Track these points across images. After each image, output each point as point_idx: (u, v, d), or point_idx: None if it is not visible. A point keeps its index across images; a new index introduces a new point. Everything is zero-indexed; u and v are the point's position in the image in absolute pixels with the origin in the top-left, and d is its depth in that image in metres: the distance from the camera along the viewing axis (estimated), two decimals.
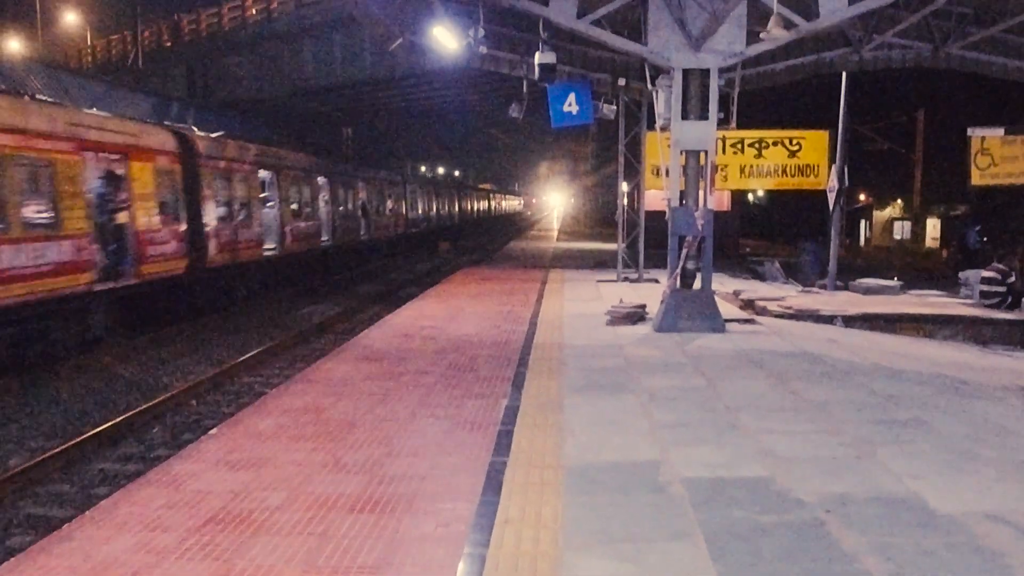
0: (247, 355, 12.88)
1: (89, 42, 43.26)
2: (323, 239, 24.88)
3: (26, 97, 12.78)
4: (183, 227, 15.77)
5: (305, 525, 4.54)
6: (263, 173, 20.24)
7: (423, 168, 63.24)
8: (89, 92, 24.11)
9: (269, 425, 6.57)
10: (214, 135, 18.28)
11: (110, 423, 9.02)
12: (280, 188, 21.00)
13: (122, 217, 13.81)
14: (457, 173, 75.38)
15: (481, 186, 75.54)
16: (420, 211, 40.65)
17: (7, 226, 10.93)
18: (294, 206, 22.29)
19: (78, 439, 8.43)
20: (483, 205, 70.80)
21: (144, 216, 14.33)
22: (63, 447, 8.17)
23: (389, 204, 34.24)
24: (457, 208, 53.06)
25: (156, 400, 10.07)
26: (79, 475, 7.79)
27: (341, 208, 26.66)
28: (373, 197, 31.19)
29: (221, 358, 13.12)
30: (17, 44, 38.28)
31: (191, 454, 5.88)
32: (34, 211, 11.61)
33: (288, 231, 21.49)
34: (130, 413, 9.43)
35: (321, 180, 24.77)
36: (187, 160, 16.09)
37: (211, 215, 17.02)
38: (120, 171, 13.74)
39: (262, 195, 20.10)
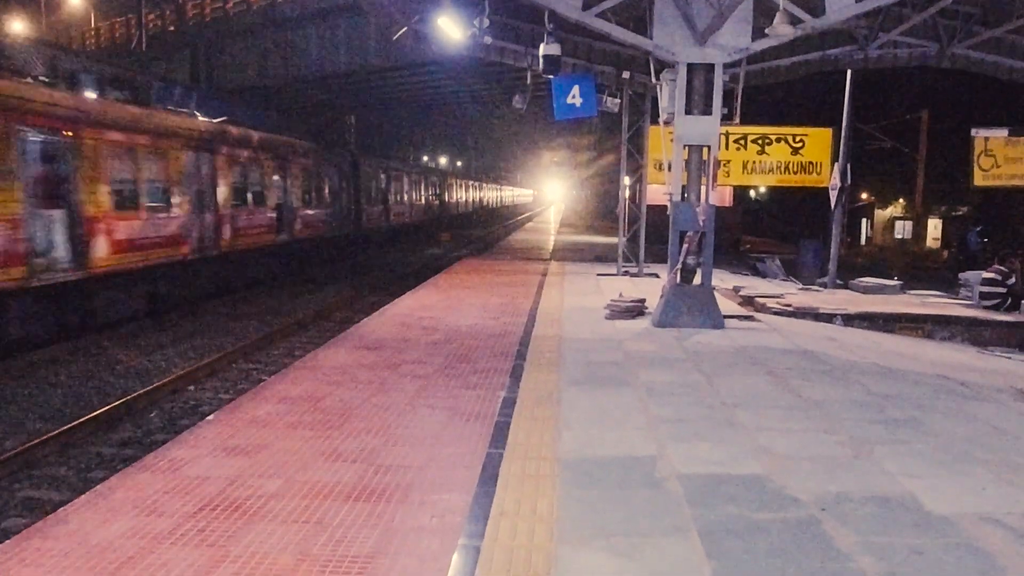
0: (246, 341, 12.89)
1: (93, 25, 43.13)
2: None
3: None
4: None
5: (301, 513, 4.54)
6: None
7: (425, 158, 63.30)
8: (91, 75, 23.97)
9: (267, 412, 6.57)
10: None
11: (108, 407, 9.03)
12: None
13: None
14: (459, 163, 75.37)
15: (496, 178, 78.48)
16: (463, 199, 58.72)
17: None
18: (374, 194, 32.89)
19: (76, 422, 8.45)
20: (505, 195, 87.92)
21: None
22: (61, 430, 8.18)
23: (452, 193, 52.07)
24: (500, 196, 75.56)
25: (154, 385, 10.08)
26: (76, 458, 7.81)
27: (419, 196, 41.54)
28: (439, 189, 47.25)
29: (220, 344, 13.13)
30: (20, 25, 38.16)
31: (188, 440, 5.88)
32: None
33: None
34: (128, 397, 9.44)
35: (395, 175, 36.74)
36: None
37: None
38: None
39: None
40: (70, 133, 12.35)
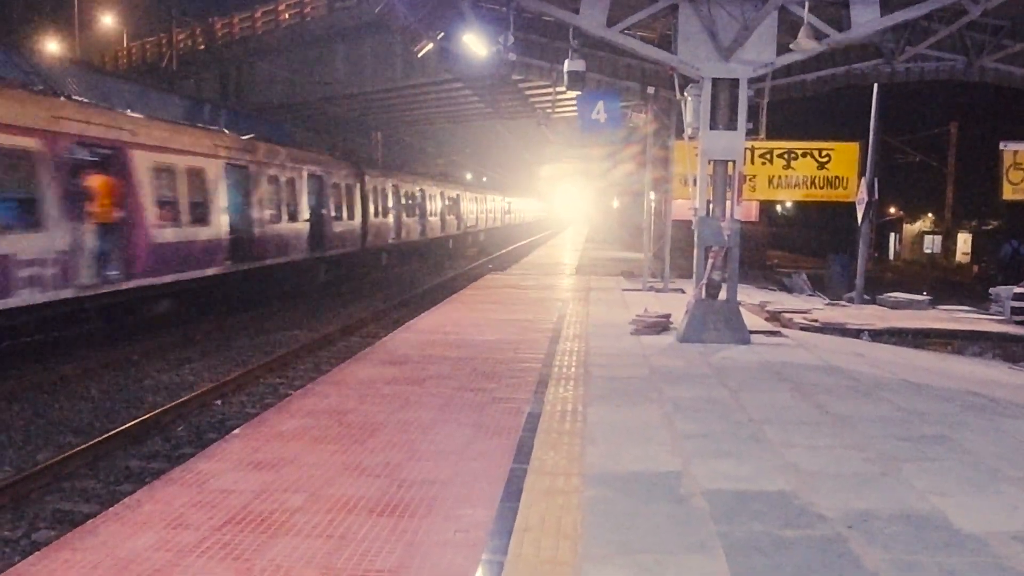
0: (272, 356, 12.99)
1: (125, 44, 43.94)
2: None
3: None
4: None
5: (325, 527, 4.56)
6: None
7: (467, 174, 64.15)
8: (123, 94, 24.44)
9: (292, 426, 6.62)
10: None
11: (136, 420, 9.13)
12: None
13: None
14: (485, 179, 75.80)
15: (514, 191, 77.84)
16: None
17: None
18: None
19: (105, 435, 8.55)
20: (540, 209, 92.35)
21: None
22: (90, 443, 8.28)
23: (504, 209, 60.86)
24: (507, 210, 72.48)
25: (182, 399, 10.18)
26: (105, 471, 7.89)
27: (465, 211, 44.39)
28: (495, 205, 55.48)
29: (246, 359, 13.24)
30: (55, 46, 38.94)
31: (215, 453, 5.93)
32: None
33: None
34: (156, 411, 9.54)
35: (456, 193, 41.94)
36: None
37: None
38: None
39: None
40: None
